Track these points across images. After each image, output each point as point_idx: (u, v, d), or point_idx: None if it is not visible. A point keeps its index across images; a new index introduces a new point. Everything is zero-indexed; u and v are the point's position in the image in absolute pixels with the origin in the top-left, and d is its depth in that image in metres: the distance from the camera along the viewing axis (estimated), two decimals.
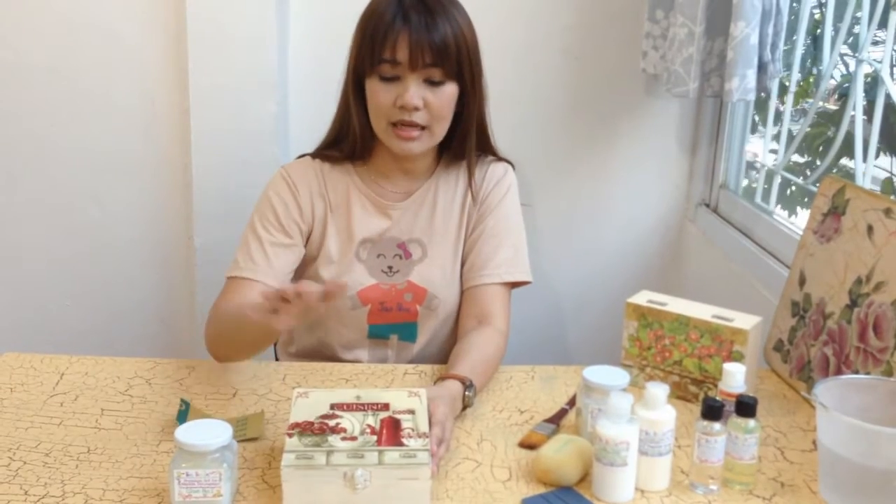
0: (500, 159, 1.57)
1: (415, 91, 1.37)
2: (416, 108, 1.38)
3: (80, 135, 2.06)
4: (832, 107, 1.91)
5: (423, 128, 1.40)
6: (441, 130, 1.44)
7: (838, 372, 1.23)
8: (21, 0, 1.98)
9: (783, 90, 1.84)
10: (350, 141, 1.49)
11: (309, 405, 1.10)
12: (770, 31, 1.62)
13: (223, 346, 1.38)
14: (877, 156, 1.71)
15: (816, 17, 1.81)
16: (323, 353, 1.55)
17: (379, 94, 1.39)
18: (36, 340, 2.09)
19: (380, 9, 1.38)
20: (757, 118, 2.04)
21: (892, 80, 1.53)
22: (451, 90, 1.40)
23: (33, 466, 1.09)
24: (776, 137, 1.90)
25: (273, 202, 1.49)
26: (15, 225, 2.12)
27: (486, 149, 1.55)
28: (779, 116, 1.90)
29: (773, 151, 1.90)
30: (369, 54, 1.38)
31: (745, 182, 2.03)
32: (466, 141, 1.48)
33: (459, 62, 1.38)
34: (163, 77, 2.02)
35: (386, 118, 1.40)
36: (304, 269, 1.52)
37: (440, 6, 1.37)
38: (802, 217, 1.79)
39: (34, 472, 1.08)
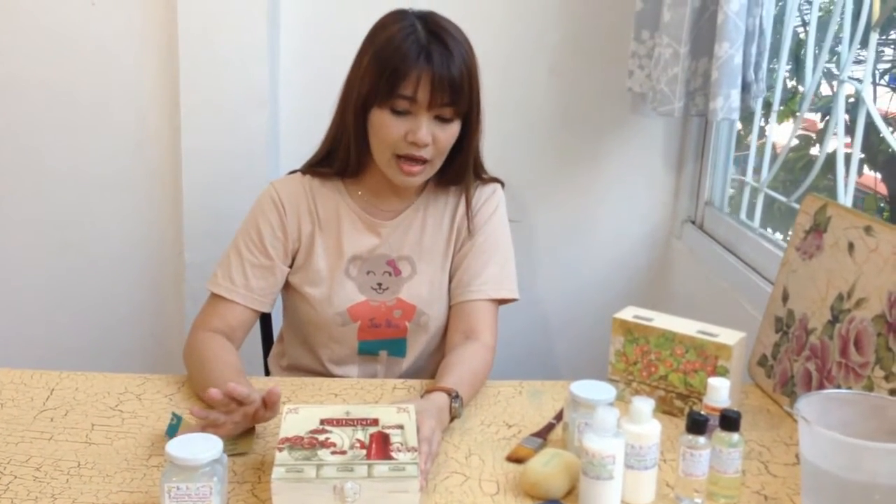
0: (489, 180, 1.58)
1: (427, 128, 1.39)
2: (427, 145, 1.40)
3: (72, 150, 2.07)
4: (819, 125, 1.94)
5: (426, 161, 1.43)
6: (440, 163, 1.46)
7: (821, 387, 1.25)
8: (16, 17, 1.99)
9: (769, 108, 1.87)
10: (343, 158, 1.49)
11: (299, 420, 1.11)
12: (753, 51, 1.65)
13: (192, 380, 1.40)
14: (860, 173, 1.74)
15: (801, 36, 1.84)
16: (313, 369, 1.57)
17: (389, 127, 1.39)
18: (26, 356, 2.09)
19: (399, 44, 1.36)
20: (742, 132, 2.07)
21: (874, 99, 1.56)
22: (456, 127, 1.42)
23: (24, 481, 1.10)
24: (760, 155, 1.92)
25: (258, 221, 1.50)
26: (6, 240, 2.13)
27: (476, 173, 1.56)
28: (763, 134, 1.93)
29: (757, 171, 1.93)
30: (386, 88, 1.37)
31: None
32: (464, 171, 1.50)
33: (470, 101, 1.41)
34: (155, 94, 2.04)
35: (392, 150, 1.41)
36: (292, 286, 1.54)
37: (454, 41, 1.38)
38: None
39: (25, 486, 1.09)
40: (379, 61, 1.38)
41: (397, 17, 1.42)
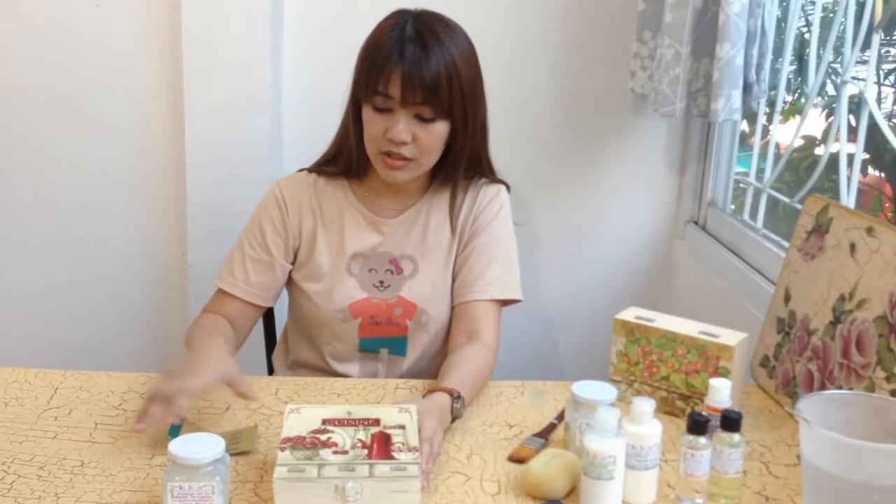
0: (494, 181, 1.59)
1: (404, 126, 1.39)
2: (404, 143, 1.40)
3: (76, 152, 2.08)
4: (822, 124, 1.94)
5: (410, 159, 1.43)
6: (429, 162, 1.46)
7: (822, 387, 1.25)
8: (20, 19, 2.00)
9: (773, 108, 1.87)
10: (346, 157, 1.52)
11: (301, 420, 1.11)
12: (755, 52, 1.65)
13: None
14: (866, 173, 1.74)
15: (806, 35, 1.84)
16: (316, 365, 1.57)
17: (371, 123, 1.42)
18: (30, 355, 2.09)
19: (381, 39, 1.39)
20: (747, 130, 2.07)
21: (880, 100, 1.56)
22: (440, 127, 1.42)
23: (28, 480, 1.10)
24: (763, 156, 1.92)
25: (261, 218, 1.53)
26: (11, 240, 2.14)
27: (482, 173, 1.56)
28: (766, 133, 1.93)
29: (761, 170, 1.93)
30: (365, 84, 1.40)
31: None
32: (454, 172, 1.51)
33: (451, 101, 1.40)
34: (158, 96, 2.04)
35: (376, 146, 1.43)
36: (295, 282, 1.55)
37: (437, 42, 1.38)
38: None
39: (28, 485, 1.09)
40: (363, 58, 1.42)
41: (393, 15, 1.44)
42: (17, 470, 1.13)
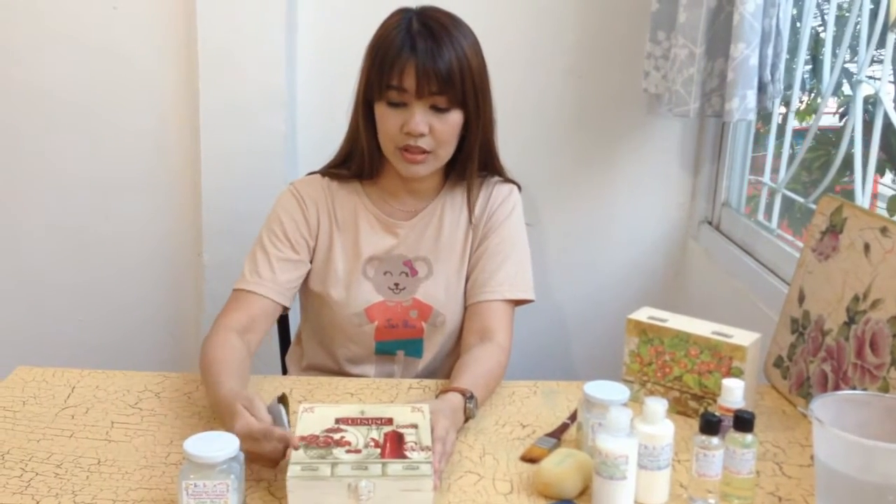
0: (507, 180, 1.59)
1: (420, 118, 1.40)
2: (422, 135, 1.41)
3: (93, 153, 2.10)
4: (838, 124, 1.93)
5: (428, 152, 1.44)
6: (446, 154, 1.47)
7: (836, 388, 1.25)
8: (37, 23, 2.02)
9: (788, 108, 1.87)
10: (358, 160, 1.52)
11: (314, 419, 1.12)
12: (770, 52, 1.65)
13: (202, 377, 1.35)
14: (883, 173, 1.73)
15: (821, 34, 1.84)
16: (330, 368, 1.58)
17: (387, 119, 1.42)
18: (48, 354, 2.12)
19: (389, 36, 1.41)
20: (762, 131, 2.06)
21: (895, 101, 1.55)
22: (455, 117, 1.43)
23: (45, 477, 1.12)
24: (778, 156, 1.92)
25: (281, 217, 1.52)
26: (28, 242, 2.16)
27: (493, 170, 1.57)
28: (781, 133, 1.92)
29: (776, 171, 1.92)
30: (378, 81, 1.41)
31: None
32: (469, 164, 1.51)
33: (464, 90, 1.41)
34: (174, 98, 2.06)
35: (393, 142, 1.44)
36: (310, 287, 1.55)
37: (446, 33, 1.40)
38: None
39: (46, 482, 1.11)
40: (372, 55, 1.43)
41: (397, 13, 1.45)
42: (35, 468, 1.14)
